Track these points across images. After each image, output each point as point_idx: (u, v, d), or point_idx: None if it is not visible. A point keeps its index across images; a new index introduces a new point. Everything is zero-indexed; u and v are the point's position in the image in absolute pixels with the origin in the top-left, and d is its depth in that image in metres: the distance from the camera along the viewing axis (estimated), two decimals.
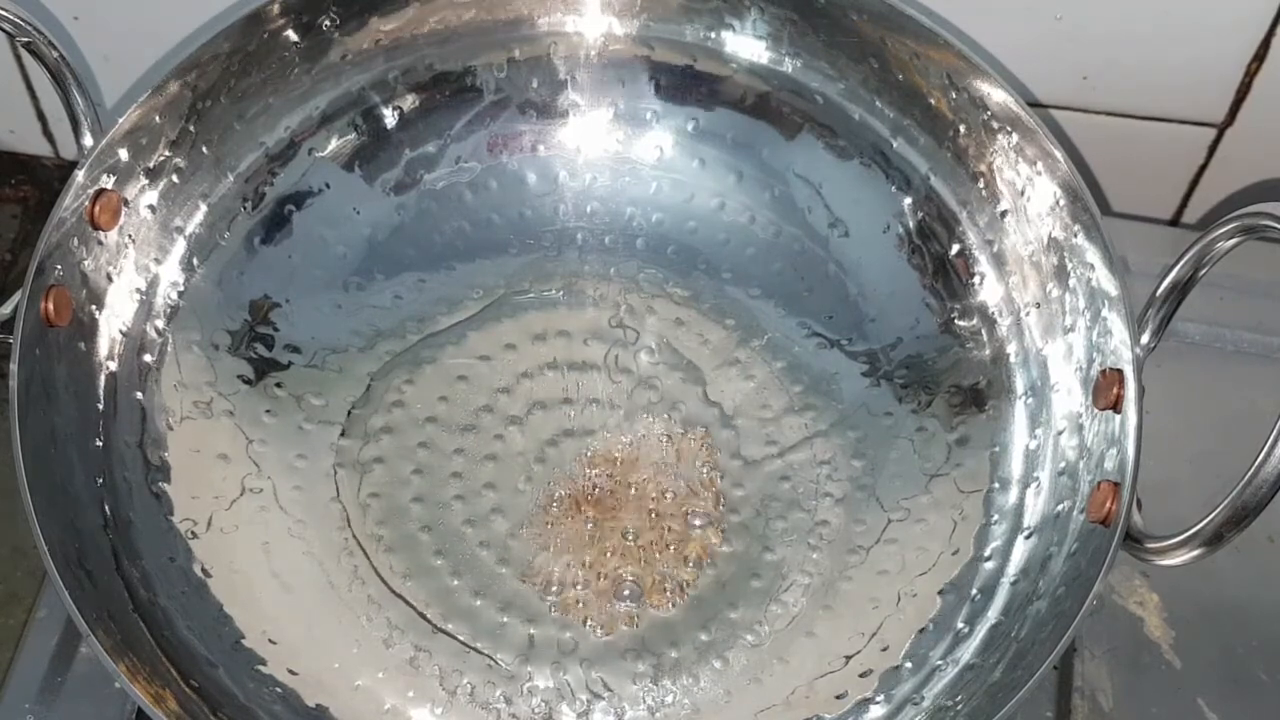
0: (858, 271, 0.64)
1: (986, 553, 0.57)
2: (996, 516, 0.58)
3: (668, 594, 0.58)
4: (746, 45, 0.64)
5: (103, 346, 0.57)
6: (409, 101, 0.64)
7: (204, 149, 0.60)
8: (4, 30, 0.54)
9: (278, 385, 0.61)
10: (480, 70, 0.65)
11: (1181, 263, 0.53)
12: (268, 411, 0.60)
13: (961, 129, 0.61)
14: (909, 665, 0.56)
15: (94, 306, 0.57)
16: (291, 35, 0.61)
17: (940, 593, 0.57)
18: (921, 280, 0.63)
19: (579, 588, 0.58)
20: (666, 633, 0.57)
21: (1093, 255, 0.56)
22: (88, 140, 0.57)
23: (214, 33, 0.58)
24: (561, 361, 0.63)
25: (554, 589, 0.57)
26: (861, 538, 0.59)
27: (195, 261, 0.61)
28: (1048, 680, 0.58)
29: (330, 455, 0.60)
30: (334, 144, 0.64)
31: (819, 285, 0.64)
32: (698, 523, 0.59)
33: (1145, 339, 0.54)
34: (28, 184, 0.84)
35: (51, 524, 0.51)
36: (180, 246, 0.60)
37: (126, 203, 0.58)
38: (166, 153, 0.59)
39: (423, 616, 0.57)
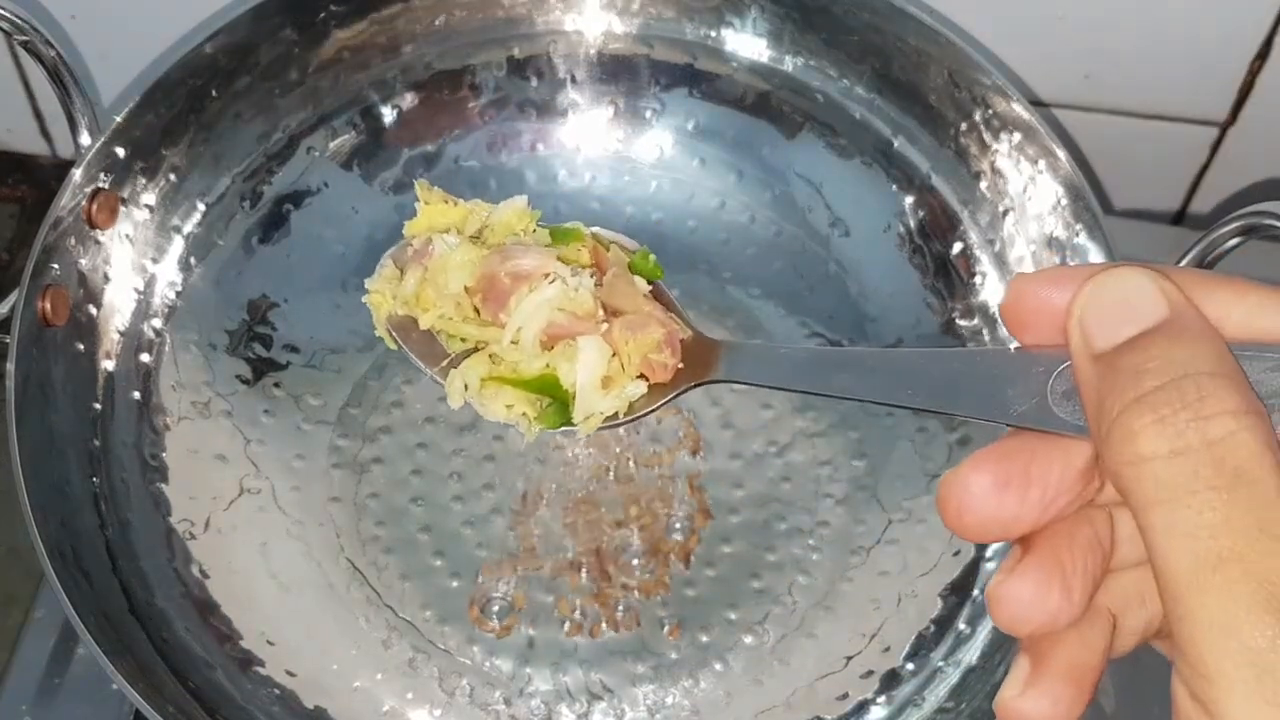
0: (858, 271, 0.64)
1: (988, 553, 0.57)
2: None
3: (666, 595, 0.57)
4: (747, 43, 0.64)
5: (100, 346, 0.57)
6: (408, 100, 0.64)
7: (202, 148, 0.60)
8: (1, 29, 0.54)
9: (276, 385, 0.61)
10: (479, 69, 0.65)
11: (1184, 262, 0.52)
12: (266, 412, 0.60)
13: (963, 127, 0.60)
14: (910, 667, 0.56)
15: (91, 306, 0.57)
16: (290, 33, 0.61)
17: (942, 594, 0.57)
18: (923, 280, 0.62)
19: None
20: (667, 633, 0.57)
21: (1095, 254, 0.56)
22: (85, 139, 0.57)
23: (211, 31, 0.58)
24: None
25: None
26: (862, 538, 0.59)
27: (193, 261, 0.60)
28: None
29: (329, 455, 0.59)
30: (333, 143, 0.64)
31: (819, 285, 0.64)
32: (696, 523, 0.59)
33: None
34: (25, 183, 0.84)
35: (49, 525, 0.50)
36: (178, 246, 0.60)
37: (124, 202, 0.57)
38: (164, 151, 0.58)
39: (415, 628, 0.56)
